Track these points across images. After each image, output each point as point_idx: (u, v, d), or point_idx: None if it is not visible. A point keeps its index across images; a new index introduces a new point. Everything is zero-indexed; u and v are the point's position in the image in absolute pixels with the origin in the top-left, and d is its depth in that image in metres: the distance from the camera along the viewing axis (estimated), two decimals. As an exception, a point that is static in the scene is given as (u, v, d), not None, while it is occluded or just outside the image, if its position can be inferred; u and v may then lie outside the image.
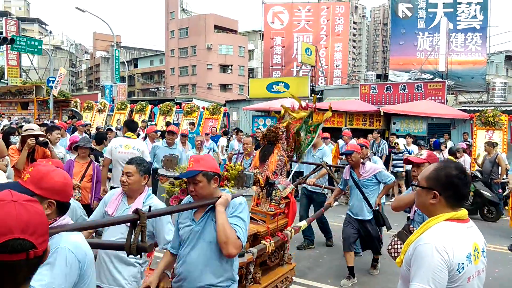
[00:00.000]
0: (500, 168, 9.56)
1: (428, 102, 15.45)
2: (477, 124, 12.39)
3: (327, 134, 10.78)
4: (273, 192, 4.15)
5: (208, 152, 9.61)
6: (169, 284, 2.80)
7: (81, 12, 24.52)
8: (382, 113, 14.57)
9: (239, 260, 3.06)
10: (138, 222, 2.23)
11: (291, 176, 5.24)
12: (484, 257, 1.97)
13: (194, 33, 51.44)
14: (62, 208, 1.88)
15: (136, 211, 2.26)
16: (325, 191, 6.66)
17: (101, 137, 8.17)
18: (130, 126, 6.71)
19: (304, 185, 6.67)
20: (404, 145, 11.36)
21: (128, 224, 2.33)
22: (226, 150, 12.93)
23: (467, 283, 1.85)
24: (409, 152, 10.81)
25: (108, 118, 19.62)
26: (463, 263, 1.82)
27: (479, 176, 9.65)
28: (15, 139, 6.94)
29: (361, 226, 5.45)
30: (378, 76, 26.00)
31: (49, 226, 1.65)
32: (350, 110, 15.55)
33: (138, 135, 12.99)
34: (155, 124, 15.75)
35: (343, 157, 6.09)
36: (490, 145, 9.83)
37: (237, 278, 2.78)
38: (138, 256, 2.33)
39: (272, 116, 17.66)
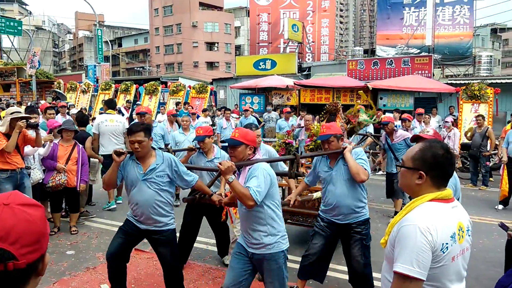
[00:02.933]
0: (489, 141, 9.67)
1: (415, 77, 15.45)
2: (463, 97, 12.44)
3: (288, 109, 12.37)
4: None
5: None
6: (299, 201, 4.43)
7: (61, -10, 23.78)
8: (370, 89, 14.54)
9: None
10: (294, 160, 3.78)
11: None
12: (469, 235, 1.96)
13: (178, 11, 50.47)
14: (255, 150, 3.26)
15: (294, 154, 3.84)
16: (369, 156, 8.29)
17: (85, 119, 8.06)
18: (110, 105, 8.18)
19: None
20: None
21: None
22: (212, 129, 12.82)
23: (452, 262, 1.84)
24: (396, 127, 10.85)
25: (93, 99, 19.29)
26: (447, 243, 1.80)
27: None
28: (-3, 122, 6.77)
29: (389, 179, 7.25)
30: (365, 52, 25.87)
31: (251, 159, 3.20)
32: (337, 86, 15.48)
33: (123, 115, 12.85)
34: (141, 104, 15.53)
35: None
36: (483, 118, 9.91)
37: (366, 199, 4.11)
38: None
39: (259, 94, 17.63)
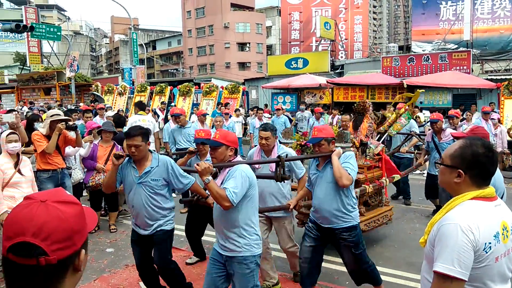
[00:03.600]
0: None
1: (453, 73, 14.97)
2: (504, 93, 11.95)
3: (320, 109, 12.68)
4: (367, 150, 5.43)
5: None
6: (301, 206, 4.53)
7: (98, -4, 24.49)
8: (405, 86, 14.19)
9: None
10: (279, 163, 3.51)
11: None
12: None
13: (210, 12, 50.99)
14: (236, 152, 3.26)
15: (279, 156, 3.56)
16: (412, 156, 8.05)
17: (122, 121, 8.29)
18: (140, 106, 9.28)
19: (396, 154, 7.85)
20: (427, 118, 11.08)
21: None
22: (245, 129, 12.94)
23: (495, 263, 1.77)
24: (460, 125, 10.48)
25: (129, 101, 19.77)
26: (490, 243, 1.74)
27: None
28: (39, 125, 7.07)
29: (431, 179, 6.77)
30: (400, 48, 25.31)
31: (231, 161, 3.18)
32: (371, 83, 15.19)
33: (158, 116, 13.10)
34: (175, 105, 15.78)
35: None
36: None
37: (355, 207, 3.95)
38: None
39: (291, 93, 17.55)
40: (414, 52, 20.02)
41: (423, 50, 20.19)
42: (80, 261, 1.09)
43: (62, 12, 70.29)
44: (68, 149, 5.94)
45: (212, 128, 9.01)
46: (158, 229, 3.79)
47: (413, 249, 5.49)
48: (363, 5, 28.10)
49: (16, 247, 1.00)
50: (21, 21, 26.73)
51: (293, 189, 4.83)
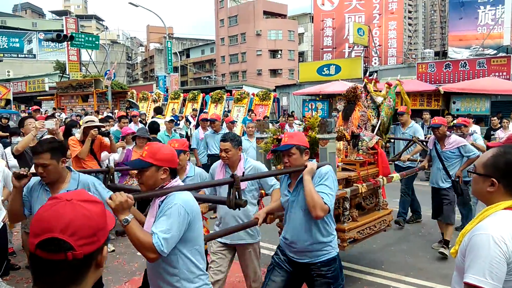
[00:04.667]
0: None
1: (492, 79, 14.48)
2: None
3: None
4: (359, 143, 4.69)
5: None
6: (274, 218, 3.55)
7: (135, 7, 25.21)
8: (442, 92, 13.82)
9: None
10: (234, 184, 2.65)
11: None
12: None
13: (243, 21, 51.51)
14: (173, 173, 2.42)
15: (232, 176, 2.68)
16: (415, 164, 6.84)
17: (156, 127, 8.48)
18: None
19: (397, 162, 7.01)
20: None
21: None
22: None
23: None
24: (470, 134, 10.20)
25: (163, 108, 20.19)
26: None
27: None
28: (77, 131, 7.32)
29: (435, 195, 5.88)
30: (436, 54, 24.72)
31: (165, 187, 2.33)
32: (406, 90, 14.85)
33: (190, 123, 13.31)
34: (207, 112, 15.99)
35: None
36: None
37: (335, 233, 3.15)
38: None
39: (323, 100, 17.43)
40: (451, 58, 19.51)
41: (460, 56, 19.65)
42: (103, 257, 1.15)
43: (100, 22, 72.85)
44: (102, 154, 6.12)
45: (243, 135, 9.07)
46: None
47: (446, 261, 5.32)
48: (397, 11, 27.65)
49: (44, 243, 1.06)
50: (62, 31, 27.82)
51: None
